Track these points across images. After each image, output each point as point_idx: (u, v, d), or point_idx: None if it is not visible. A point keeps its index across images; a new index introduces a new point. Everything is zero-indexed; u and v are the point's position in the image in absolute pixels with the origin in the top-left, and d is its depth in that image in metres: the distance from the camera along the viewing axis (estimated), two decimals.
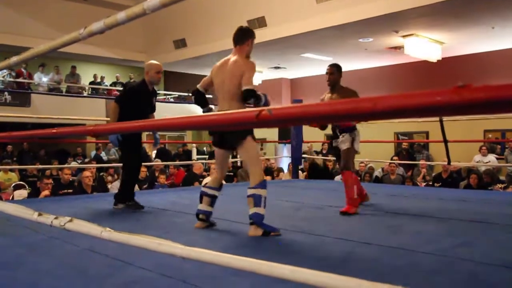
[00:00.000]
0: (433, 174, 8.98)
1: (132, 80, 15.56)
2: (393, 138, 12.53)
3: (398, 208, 4.13)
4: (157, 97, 4.63)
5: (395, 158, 10.01)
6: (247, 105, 3.25)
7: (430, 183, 8.40)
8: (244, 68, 3.19)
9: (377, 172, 9.66)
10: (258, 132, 14.01)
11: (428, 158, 10.70)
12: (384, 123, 8.02)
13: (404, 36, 9.95)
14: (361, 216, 3.79)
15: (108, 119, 5.36)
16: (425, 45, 10.10)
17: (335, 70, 4.31)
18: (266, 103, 3.25)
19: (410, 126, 10.68)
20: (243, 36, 3.36)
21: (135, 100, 4.22)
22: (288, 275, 0.91)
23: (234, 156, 11.96)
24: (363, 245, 2.70)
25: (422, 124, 9.78)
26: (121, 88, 15.24)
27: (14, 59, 1.82)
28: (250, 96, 3.12)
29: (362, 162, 9.78)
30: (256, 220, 3.01)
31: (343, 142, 4.32)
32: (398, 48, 10.87)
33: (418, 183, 8.44)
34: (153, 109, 4.47)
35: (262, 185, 3.07)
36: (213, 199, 3.34)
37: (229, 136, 3.28)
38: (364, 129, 11.07)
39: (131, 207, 4.26)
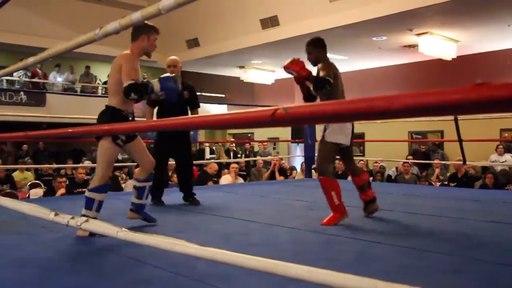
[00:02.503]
0: (448, 174, 8.90)
1: (145, 80, 15.65)
2: (407, 137, 12.43)
3: (412, 208, 4.09)
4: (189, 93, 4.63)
5: (410, 157, 9.93)
6: (131, 100, 3.05)
7: (445, 182, 8.32)
8: (122, 61, 3.02)
9: (391, 172, 9.59)
10: (271, 131, 14.00)
11: (443, 158, 10.60)
12: (398, 122, 7.95)
13: (418, 35, 9.87)
14: (374, 215, 3.76)
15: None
16: (440, 43, 10.00)
17: (311, 48, 3.67)
18: (165, 87, 3.06)
19: (424, 125, 10.58)
20: (135, 33, 3.17)
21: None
22: (304, 275, 0.90)
23: (247, 156, 11.96)
24: (377, 245, 2.68)
25: (437, 123, 9.69)
26: None
27: (30, 59, 1.84)
28: (129, 91, 2.93)
29: (376, 162, 9.72)
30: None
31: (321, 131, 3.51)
32: (412, 47, 10.78)
33: (433, 183, 8.36)
34: (190, 104, 4.55)
35: (100, 189, 2.98)
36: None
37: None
38: (378, 128, 11.02)
39: (156, 204, 4.52)
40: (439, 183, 8.50)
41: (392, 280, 0.93)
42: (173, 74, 3.25)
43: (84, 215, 2.75)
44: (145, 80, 3.12)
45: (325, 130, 3.45)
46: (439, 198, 4.91)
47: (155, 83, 3.05)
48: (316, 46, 3.67)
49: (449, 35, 9.95)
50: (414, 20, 8.93)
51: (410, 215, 3.78)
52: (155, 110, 4.56)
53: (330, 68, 3.50)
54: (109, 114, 3.02)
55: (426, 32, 9.72)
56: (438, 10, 8.25)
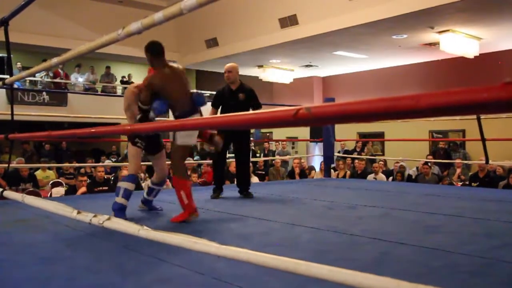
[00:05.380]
0: (470, 174, 8.76)
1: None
2: (427, 137, 12.27)
3: (434, 208, 4.04)
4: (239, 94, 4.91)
5: (429, 157, 9.79)
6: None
7: (467, 182, 8.19)
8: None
9: (411, 171, 9.47)
10: (290, 131, 13.94)
11: (465, 157, 10.43)
12: (418, 121, 7.86)
13: (439, 32, 9.73)
14: (395, 215, 3.72)
15: None
16: (462, 41, 9.84)
17: (144, 52, 3.58)
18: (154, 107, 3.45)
19: (445, 124, 10.42)
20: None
21: (220, 100, 4.92)
22: (326, 275, 0.89)
23: (266, 155, 11.95)
24: (398, 245, 2.65)
25: (458, 122, 9.55)
26: None
27: (54, 60, 1.87)
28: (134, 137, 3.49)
29: (397, 162, 9.61)
30: (113, 206, 3.38)
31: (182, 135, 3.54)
32: (434, 45, 10.64)
33: (454, 183, 8.24)
34: (250, 105, 4.90)
35: (128, 178, 3.50)
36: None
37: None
38: (398, 127, 10.87)
39: (215, 197, 4.88)
40: (461, 183, 8.37)
41: (414, 280, 0.92)
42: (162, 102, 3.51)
43: (115, 202, 3.35)
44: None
45: (174, 134, 3.54)
46: (460, 198, 4.84)
47: (150, 113, 3.48)
48: (147, 51, 3.57)
49: (471, 32, 9.78)
50: (435, 17, 8.81)
51: (431, 215, 3.74)
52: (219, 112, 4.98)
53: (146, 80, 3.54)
54: None
55: (448, 30, 9.57)
56: (460, 7, 8.11)
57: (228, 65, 5.01)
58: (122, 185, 3.42)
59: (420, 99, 0.64)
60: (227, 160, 5.47)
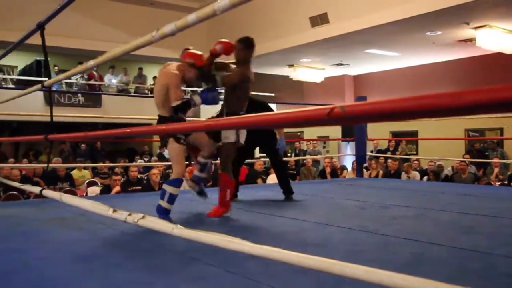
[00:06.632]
0: (509, 173, 8.49)
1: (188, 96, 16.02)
2: (463, 135, 11.96)
3: (470, 208, 3.94)
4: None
5: (466, 156, 9.55)
6: None
7: (506, 182, 7.95)
8: (167, 80, 3.56)
9: (447, 171, 9.25)
10: (321, 130, 13.79)
11: (503, 156, 10.12)
12: (454, 119, 7.66)
13: (475, 28, 9.47)
14: (429, 216, 3.65)
15: None
16: (499, 37, 9.54)
17: (241, 46, 3.96)
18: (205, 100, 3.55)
19: (482, 123, 10.13)
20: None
21: None
22: (362, 276, 0.88)
23: (297, 155, 11.91)
24: (433, 246, 2.60)
25: (496, 120, 9.27)
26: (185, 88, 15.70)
27: (91, 62, 1.91)
28: (176, 112, 3.42)
29: (431, 161, 9.40)
30: (157, 209, 3.34)
31: (228, 133, 3.66)
32: (469, 41, 10.36)
33: (492, 182, 8.00)
34: None
35: (173, 183, 3.35)
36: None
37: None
38: (432, 126, 10.63)
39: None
40: (499, 183, 8.13)
41: (448, 282, 0.90)
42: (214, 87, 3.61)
43: (159, 205, 3.29)
44: (188, 96, 3.55)
45: (238, 131, 3.67)
46: (498, 198, 4.70)
47: (197, 98, 3.51)
48: (246, 45, 3.91)
49: (509, 27, 9.48)
50: (470, 13, 8.57)
51: (467, 215, 3.64)
52: None
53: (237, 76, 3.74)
54: (163, 123, 3.40)
55: (484, 25, 9.31)
56: (496, 1, 7.87)
57: None
58: (168, 189, 3.32)
59: (462, 96, 0.62)
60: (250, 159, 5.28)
